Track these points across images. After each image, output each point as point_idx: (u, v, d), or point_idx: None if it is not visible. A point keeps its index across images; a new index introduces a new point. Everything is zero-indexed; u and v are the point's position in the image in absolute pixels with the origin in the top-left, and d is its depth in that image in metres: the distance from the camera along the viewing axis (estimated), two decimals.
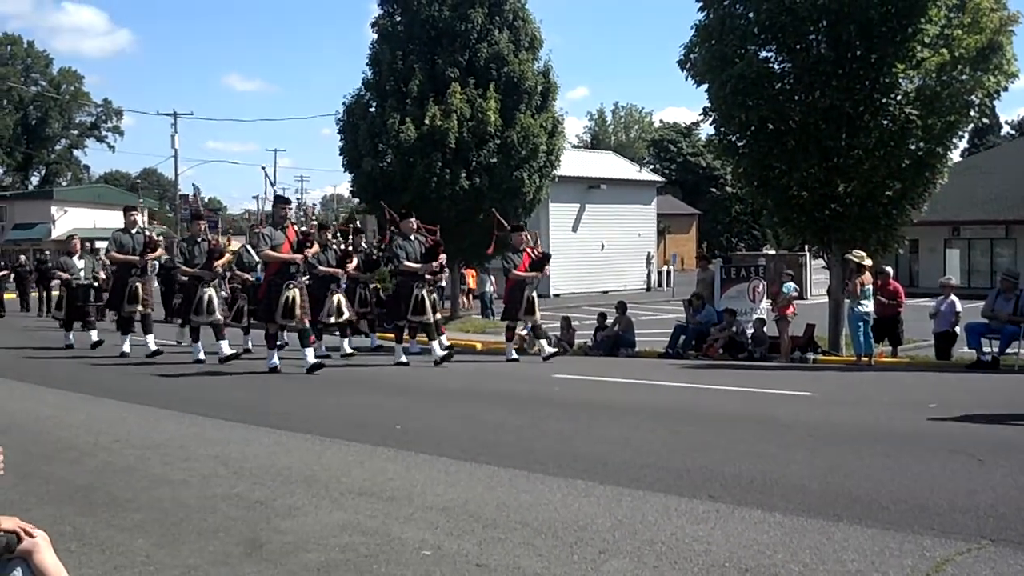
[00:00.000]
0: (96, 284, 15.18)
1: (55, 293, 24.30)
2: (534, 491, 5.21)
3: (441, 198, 19.47)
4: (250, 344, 13.98)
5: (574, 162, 32.50)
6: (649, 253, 37.93)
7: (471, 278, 26.24)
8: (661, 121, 75.65)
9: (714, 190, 59.26)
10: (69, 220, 54.44)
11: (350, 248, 14.09)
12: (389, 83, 20.70)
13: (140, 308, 13.35)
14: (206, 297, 12.32)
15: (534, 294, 13.41)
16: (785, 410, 8.43)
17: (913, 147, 13.76)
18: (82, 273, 14.89)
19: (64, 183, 73.46)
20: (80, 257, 15.20)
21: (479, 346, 16.13)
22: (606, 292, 32.42)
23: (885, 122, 13.70)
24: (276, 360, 11.35)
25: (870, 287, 12.65)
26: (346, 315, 13.20)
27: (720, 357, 14.04)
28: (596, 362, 13.70)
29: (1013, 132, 68.46)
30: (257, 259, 13.22)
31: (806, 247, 23.48)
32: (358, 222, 21.89)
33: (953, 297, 13.17)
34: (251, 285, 14.28)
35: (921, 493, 5.04)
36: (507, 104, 20.36)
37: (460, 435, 7.14)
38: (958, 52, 13.07)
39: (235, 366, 11.71)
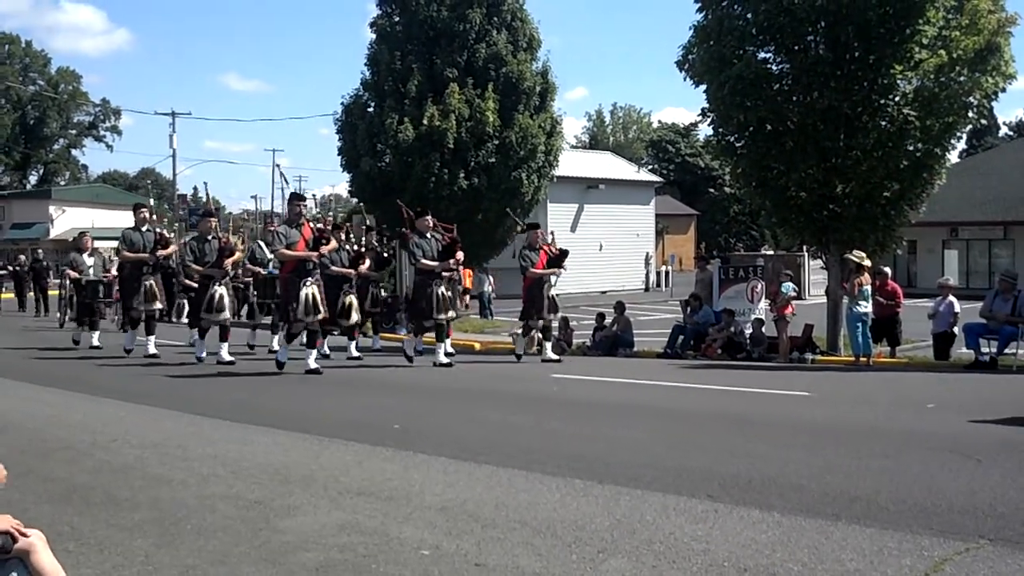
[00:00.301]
0: (105, 280, 15.20)
1: (52, 293, 24.45)
2: (533, 490, 5.20)
3: (439, 198, 19.44)
4: (254, 342, 13.94)
5: (572, 162, 32.55)
6: (647, 253, 37.97)
7: (467, 278, 26.18)
8: (659, 121, 75.72)
9: (712, 190, 59.25)
10: (67, 220, 54.49)
11: (363, 248, 13.98)
12: (387, 83, 20.70)
13: (158, 306, 13.21)
14: (217, 295, 12.30)
15: (553, 292, 13.35)
16: (783, 410, 8.44)
17: (911, 148, 13.77)
18: (91, 270, 14.90)
19: (62, 183, 73.33)
20: (90, 255, 15.22)
21: (477, 346, 16.13)
22: (604, 292, 32.41)
23: (883, 123, 13.70)
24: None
25: (868, 287, 12.66)
26: (354, 319, 13.03)
27: (718, 357, 14.05)
28: (595, 362, 13.69)
29: (1011, 133, 68.48)
30: (270, 256, 13.16)
31: (804, 247, 23.51)
32: (368, 220, 21.67)
33: (951, 298, 13.18)
34: (263, 280, 14.30)
35: (919, 493, 5.04)
36: (505, 104, 20.37)
37: (459, 435, 7.14)
38: (956, 53, 13.09)
39: (234, 366, 11.72)
